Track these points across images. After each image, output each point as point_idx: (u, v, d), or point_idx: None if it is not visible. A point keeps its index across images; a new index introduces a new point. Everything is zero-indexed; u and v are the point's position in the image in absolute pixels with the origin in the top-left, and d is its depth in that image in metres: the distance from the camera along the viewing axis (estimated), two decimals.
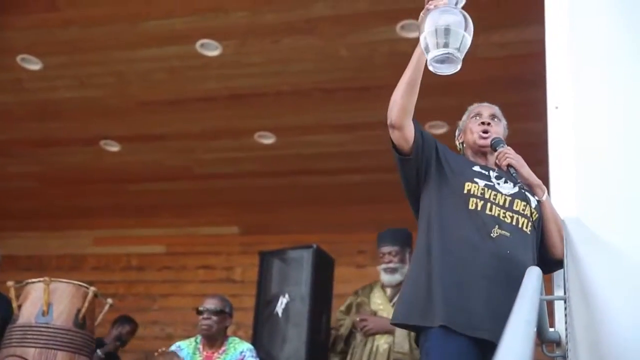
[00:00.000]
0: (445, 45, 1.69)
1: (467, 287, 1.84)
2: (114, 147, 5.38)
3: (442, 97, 4.44)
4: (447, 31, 1.70)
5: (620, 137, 2.21)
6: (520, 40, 3.84)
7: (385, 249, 3.40)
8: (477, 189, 1.96)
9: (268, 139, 5.12)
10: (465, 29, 1.72)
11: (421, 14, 1.83)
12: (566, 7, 2.35)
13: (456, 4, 1.80)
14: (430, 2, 1.82)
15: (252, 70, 4.34)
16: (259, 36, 4.01)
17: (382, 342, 3.24)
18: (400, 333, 3.14)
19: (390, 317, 3.10)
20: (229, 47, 4.13)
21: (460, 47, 1.71)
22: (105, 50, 4.22)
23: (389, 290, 3.40)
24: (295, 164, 5.44)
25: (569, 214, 2.01)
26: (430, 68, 1.76)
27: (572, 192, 2.11)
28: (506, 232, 1.91)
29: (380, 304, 3.38)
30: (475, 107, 2.22)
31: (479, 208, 1.93)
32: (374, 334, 3.26)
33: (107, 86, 4.61)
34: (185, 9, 3.86)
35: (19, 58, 4.34)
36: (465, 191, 1.95)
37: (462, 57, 1.73)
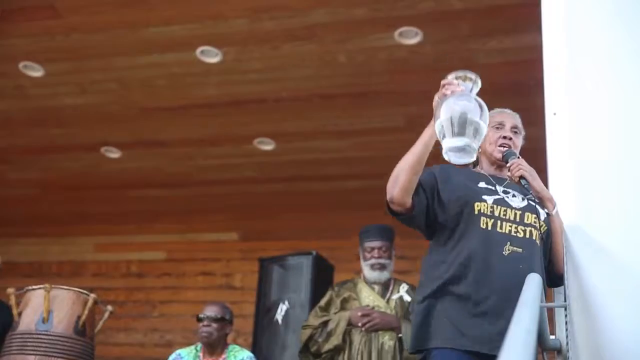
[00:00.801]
0: (461, 134, 1.68)
1: (481, 307, 1.84)
2: (114, 154, 5.39)
3: None
4: (463, 120, 1.69)
5: (618, 143, 2.22)
6: (517, 47, 3.85)
7: (375, 244, 3.20)
8: (487, 208, 1.95)
9: (267, 145, 5.14)
10: (481, 117, 1.70)
11: (436, 97, 1.82)
12: (563, 14, 2.37)
13: (471, 90, 1.77)
14: (446, 87, 1.80)
15: (252, 76, 4.36)
16: (258, 43, 4.03)
17: (386, 339, 3.01)
18: (406, 330, 2.96)
19: (388, 312, 3.04)
20: (228, 53, 4.14)
21: (476, 137, 1.70)
22: (106, 57, 4.24)
23: (376, 287, 3.18)
24: (294, 170, 5.45)
25: (568, 221, 2.01)
26: (445, 157, 1.75)
27: (571, 200, 2.11)
28: (518, 248, 1.90)
29: (374, 300, 3.14)
30: (497, 115, 2.16)
31: (489, 227, 1.93)
32: (377, 330, 3.02)
33: (108, 93, 4.63)
34: (186, 16, 3.87)
35: (20, 65, 4.36)
36: (476, 212, 1.94)
37: (478, 146, 1.72)
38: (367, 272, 3.20)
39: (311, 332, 3.12)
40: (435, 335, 1.87)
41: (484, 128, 1.73)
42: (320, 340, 3.08)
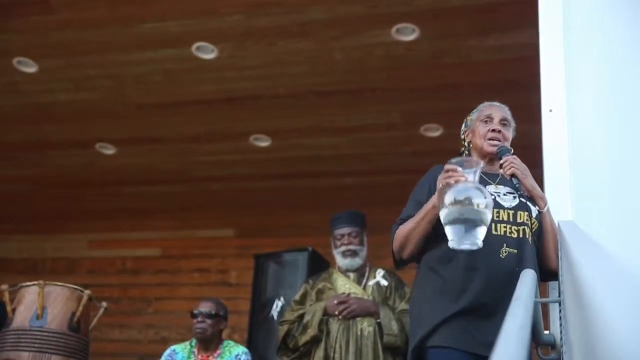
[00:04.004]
0: (466, 236, 1.70)
1: (478, 311, 1.85)
2: (109, 150, 5.37)
3: (436, 100, 4.46)
4: (468, 211, 1.70)
5: (614, 140, 2.23)
6: (514, 44, 3.85)
7: (344, 230, 3.12)
8: None
9: (263, 142, 5.13)
10: (486, 207, 1.71)
11: (440, 183, 1.80)
12: (560, 11, 2.37)
13: (475, 177, 1.76)
14: (450, 175, 1.76)
15: (248, 73, 4.35)
16: (254, 39, 4.02)
17: (365, 325, 2.91)
18: (385, 315, 2.92)
19: (364, 298, 2.98)
20: (224, 50, 4.13)
21: (479, 234, 1.71)
22: (100, 53, 4.22)
23: (352, 275, 3.09)
24: (290, 167, 5.44)
25: (563, 216, 2.02)
26: (450, 245, 1.75)
27: (566, 195, 2.11)
28: (513, 249, 1.90)
29: (351, 288, 3.04)
30: (486, 108, 2.15)
31: None
32: (355, 316, 2.92)
33: (102, 89, 4.61)
34: (181, 12, 3.86)
35: (14, 61, 4.33)
36: None
37: (483, 235, 1.72)
38: (340, 260, 3.12)
39: (288, 328, 3.02)
40: (439, 335, 1.86)
41: (489, 217, 1.73)
42: (297, 334, 2.99)
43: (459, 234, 1.70)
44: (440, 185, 1.79)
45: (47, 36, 4.10)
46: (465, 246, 1.71)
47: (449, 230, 1.72)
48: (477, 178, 1.76)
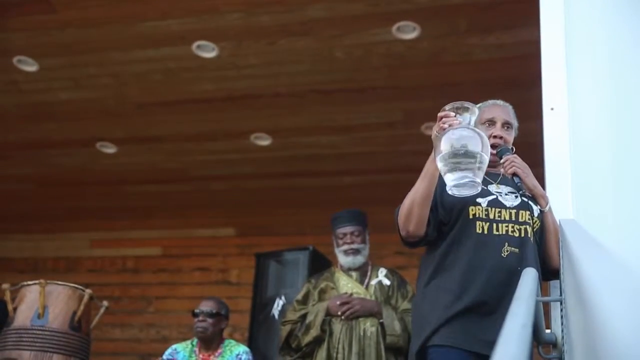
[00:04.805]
0: (463, 169, 1.66)
1: (479, 309, 1.85)
2: (110, 149, 5.37)
3: (437, 98, 4.45)
4: (464, 153, 1.67)
5: (615, 138, 2.22)
6: (516, 42, 3.85)
7: (347, 229, 3.11)
8: (481, 211, 1.93)
9: (264, 141, 5.12)
10: (482, 149, 1.68)
11: (434, 131, 1.79)
12: (561, 9, 2.36)
13: (469, 121, 1.75)
14: (444, 121, 1.76)
15: (248, 71, 4.34)
16: (254, 38, 4.02)
17: (368, 325, 2.91)
18: (387, 315, 2.91)
19: (367, 298, 2.98)
20: (225, 48, 4.13)
21: (479, 169, 1.68)
22: (101, 51, 4.22)
23: (354, 274, 3.08)
24: (291, 166, 5.44)
25: (564, 215, 2.01)
26: (449, 192, 1.73)
27: (567, 194, 2.11)
28: (515, 249, 1.89)
29: (353, 287, 3.03)
30: (489, 109, 2.11)
31: (485, 231, 1.91)
32: (358, 317, 2.92)
33: (103, 88, 4.61)
34: (181, 11, 3.86)
35: (15, 59, 4.33)
36: (471, 216, 1.93)
37: (482, 177, 1.70)
38: (342, 259, 3.11)
39: (291, 328, 3.01)
40: (441, 334, 1.86)
41: (486, 159, 1.71)
42: (299, 334, 2.97)
43: (457, 179, 1.67)
44: (435, 132, 1.78)
45: (48, 35, 4.10)
46: (466, 191, 1.69)
47: (447, 177, 1.70)
48: (472, 122, 1.75)
